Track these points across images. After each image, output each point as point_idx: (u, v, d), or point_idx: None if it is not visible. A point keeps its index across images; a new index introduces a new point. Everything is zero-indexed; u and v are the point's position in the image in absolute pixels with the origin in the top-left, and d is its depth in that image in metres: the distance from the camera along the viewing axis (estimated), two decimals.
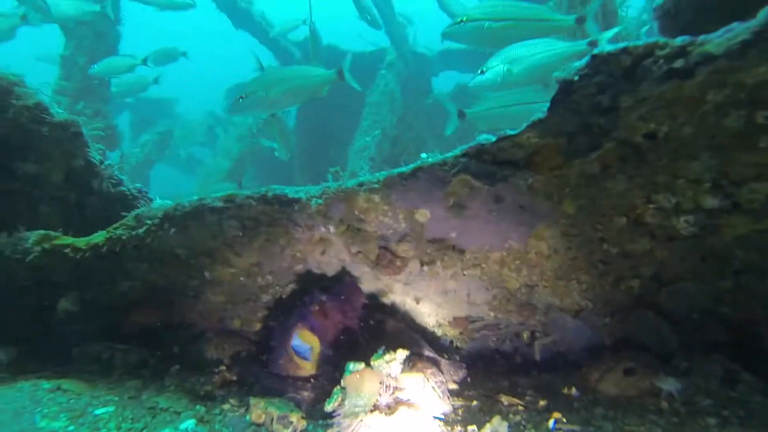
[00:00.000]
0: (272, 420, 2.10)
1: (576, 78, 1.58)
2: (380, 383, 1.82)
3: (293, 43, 10.47)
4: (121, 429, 2.25)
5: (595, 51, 1.53)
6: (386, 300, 2.80)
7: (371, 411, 1.75)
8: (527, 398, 2.49)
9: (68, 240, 2.64)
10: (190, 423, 2.10)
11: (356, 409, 1.74)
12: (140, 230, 2.42)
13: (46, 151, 2.92)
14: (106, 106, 7.48)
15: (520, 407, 2.34)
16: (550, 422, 2.09)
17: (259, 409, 2.18)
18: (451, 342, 3.22)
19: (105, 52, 7.27)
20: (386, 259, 2.43)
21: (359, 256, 2.52)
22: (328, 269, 2.69)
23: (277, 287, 2.91)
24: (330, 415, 1.92)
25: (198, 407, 2.35)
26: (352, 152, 8.76)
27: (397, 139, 9.83)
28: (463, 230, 2.24)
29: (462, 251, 2.42)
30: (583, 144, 1.74)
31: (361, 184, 2.14)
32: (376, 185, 2.09)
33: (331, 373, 2.47)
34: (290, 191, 2.23)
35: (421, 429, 1.70)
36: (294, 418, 2.08)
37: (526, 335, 3.09)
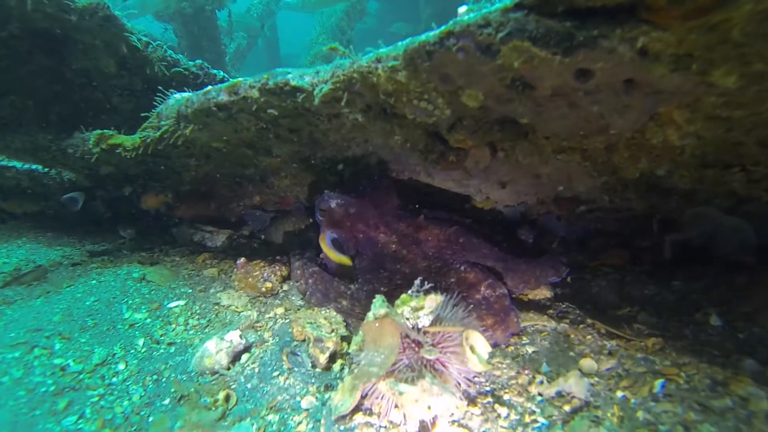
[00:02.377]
0: (309, 341, 1.91)
1: None
2: (404, 337, 1.42)
3: None
4: (188, 325, 2.32)
5: None
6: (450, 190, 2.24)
7: (387, 376, 1.39)
8: (636, 326, 1.87)
9: (120, 139, 2.52)
10: (236, 335, 2.02)
11: (370, 369, 1.40)
12: (158, 132, 2.15)
13: (87, 42, 2.70)
14: None
15: (621, 345, 1.76)
16: (657, 383, 1.50)
17: (300, 326, 2.00)
18: (559, 218, 2.62)
19: None
20: (436, 151, 1.80)
21: (407, 146, 1.93)
22: (374, 158, 2.18)
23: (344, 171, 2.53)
24: (352, 360, 1.63)
25: (251, 311, 2.28)
26: None
27: None
28: (540, 114, 1.45)
29: (546, 137, 1.67)
30: None
31: (378, 60, 1.44)
32: (394, 61, 1.38)
33: (371, 280, 2.15)
34: (293, 77, 1.64)
35: (444, 406, 1.31)
36: (329, 343, 1.86)
37: (655, 226, 2.33)
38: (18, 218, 3.52)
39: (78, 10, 2.55)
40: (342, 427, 1.50)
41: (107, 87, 3.02)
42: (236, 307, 2.37)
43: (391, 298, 2.17)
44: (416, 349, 1.42)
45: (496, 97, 1.45)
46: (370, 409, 1.52)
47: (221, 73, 3.37)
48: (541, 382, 1.57)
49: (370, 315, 1.52)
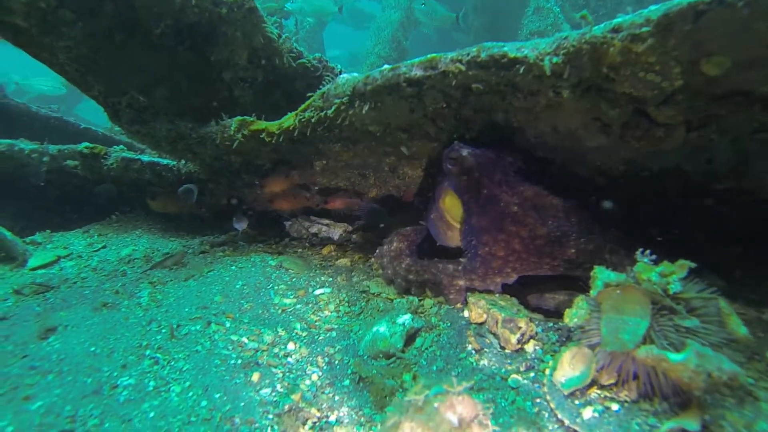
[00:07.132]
0: (497, 322, 1.86)
1: None
2: (653, 304, 1.37)
3: None
4: (340, 312, 2.29)
5: None
6: None
7: (643, 343, 1.34)
8: None
9: (262, 125, 2.56)
10: (407, 318, 1.99)
11: (620, 337, 1.35)
12: (329, 111, 2.16)
13: (229, 33, 2.76)
14: None
15: None
16: None
17: (479, 308, 1.96)
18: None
19: None
20: (641, 128, 1.77)
21: (596, 125, 1.89)
22: (547, 142, 2.13)
23: None
24: (570, 331, 1.58)
25: (410, 297, 2.25)
26: None
27: None
28: None
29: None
30: None
31: (616, 29, 1.42)
32: (644, 28, 1.36)
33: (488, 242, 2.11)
34: (510, 49, 1.64)
35: (728, 375, 1.24)
36: (521, 323, 1.81)
37: None
38: (135, 209, 3.59)
39: (228, 3, 2.62)
40: (578, 402, 1.45)
41: (233, 79, 3.07)
42: (388, 295, 2.34)
43: (506, 263, 2.12)
44: (670, 316, 1.36)
45: (747, 63, 1.41)
46: (600, 382, 1.47)
47: (339, 66, 3.42)
48: None
49: (598, 282, 1.48)
